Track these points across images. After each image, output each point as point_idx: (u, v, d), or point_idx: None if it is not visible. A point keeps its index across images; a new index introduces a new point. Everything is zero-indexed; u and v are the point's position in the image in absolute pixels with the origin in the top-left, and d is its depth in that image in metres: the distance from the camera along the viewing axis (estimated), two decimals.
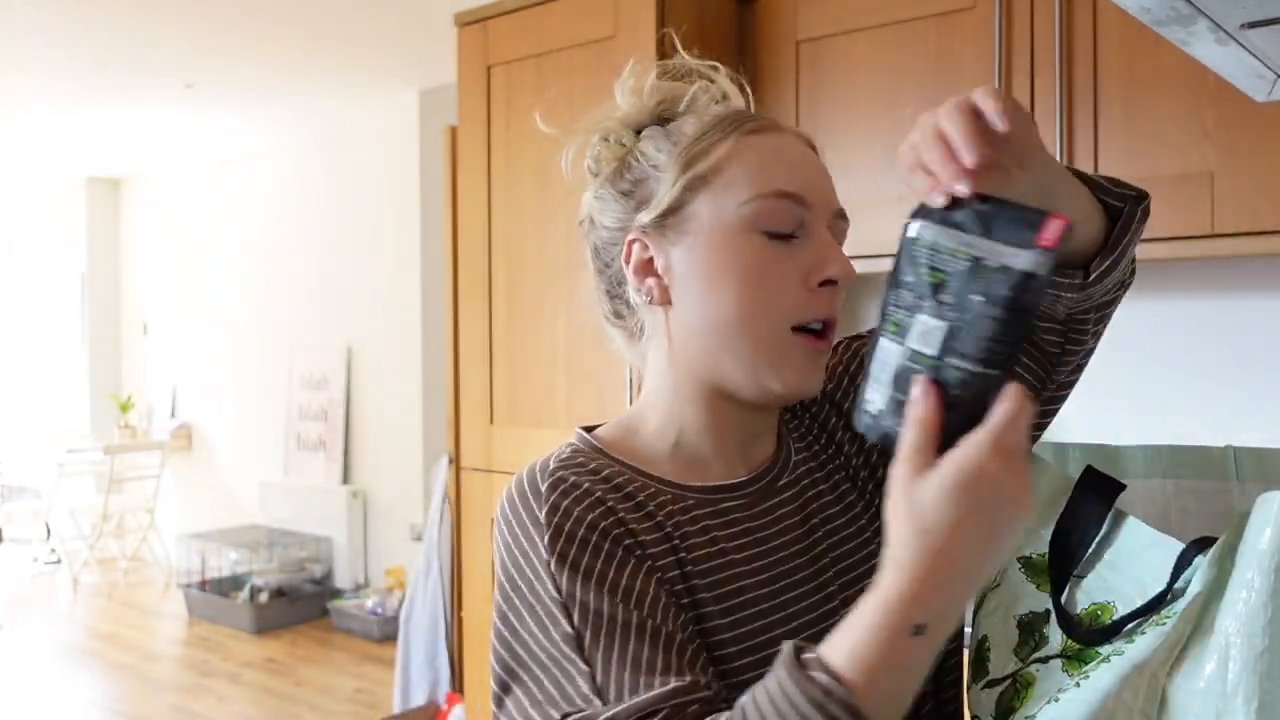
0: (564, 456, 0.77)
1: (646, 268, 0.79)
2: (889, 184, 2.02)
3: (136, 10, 3.41)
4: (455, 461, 2.53)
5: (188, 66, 4.12)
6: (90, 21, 3.52)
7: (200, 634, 4.90)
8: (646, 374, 0.83)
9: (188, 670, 4.40)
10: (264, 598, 4.93)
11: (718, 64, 0.85)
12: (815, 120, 2.11)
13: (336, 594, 5.07)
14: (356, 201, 5.17)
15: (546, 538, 0.69)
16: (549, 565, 0.69)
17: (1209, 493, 0.92)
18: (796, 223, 0.76)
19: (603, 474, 0.75)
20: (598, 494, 0.72)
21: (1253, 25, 0.72)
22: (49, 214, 6.96)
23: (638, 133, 0.83)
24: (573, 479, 0.73)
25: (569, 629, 0.67)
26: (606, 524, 0.71)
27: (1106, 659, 0.66)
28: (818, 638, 0.73)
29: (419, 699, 3.38)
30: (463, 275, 2.50)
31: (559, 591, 0.68)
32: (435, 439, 4.47)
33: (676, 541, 0.74)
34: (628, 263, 0.80)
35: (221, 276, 6.03)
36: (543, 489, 0.72)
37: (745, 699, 0.60)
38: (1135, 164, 1.74)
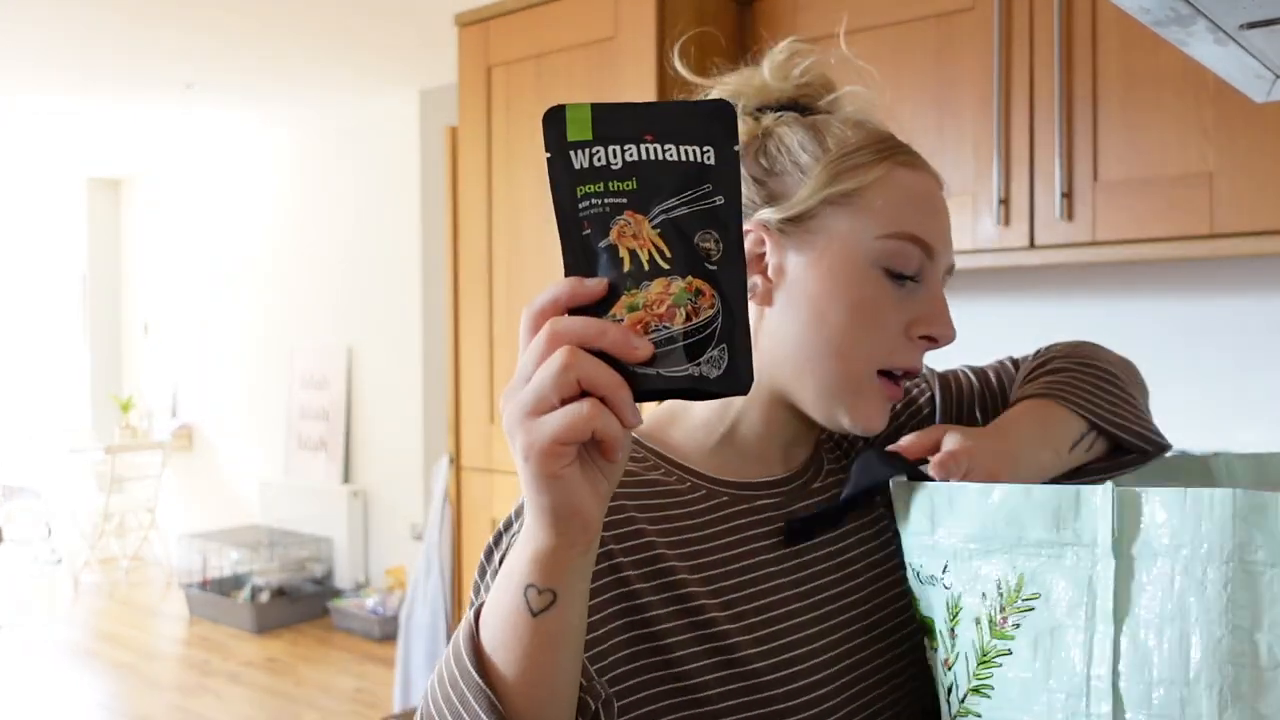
0: None
1: (756, 263, 0.77)
2: None
3: (136, 10, 3.41)
4: (455, 461, 2.53)
5: (188, 66, 4.12)
6: (90, 21, 3.52)
7: (201, 634, 4.91)
8: None
9: (188, 670, 4.40)
10: (264, 597, 4.93)
11: (873, 70, 0.84)
12: None
13: (337, 594, 5.08)
14: (356, 201, 5.18)
15: (512, 510, 0.73)
16: (499, 533, 0.72)
17: None
18: (918, 269, 0.75)
19: (630, 473, 0.75)
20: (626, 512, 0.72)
21: (1252, 25, 0.72)
22: (49, 214, 6.96)
23: (771, 110, 0.80)
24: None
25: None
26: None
27: (994, 663, 0.67)
28: (850, 638, 0.77)
29: (419, 699, 3.38)
30: (463, 275, 2.50)
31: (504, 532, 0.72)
32: (435, 439, 4.47)
33: (704, 545, 0.74)
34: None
35: (222, 276, 6.03)
36: None
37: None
38: (1135, 164, 1.74)
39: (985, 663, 0.68)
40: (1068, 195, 1.80)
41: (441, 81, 4.37)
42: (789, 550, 0.77)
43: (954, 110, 1.93)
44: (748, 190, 0.77)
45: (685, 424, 0.80)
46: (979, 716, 0.69)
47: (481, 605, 0.59)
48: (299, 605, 5.00)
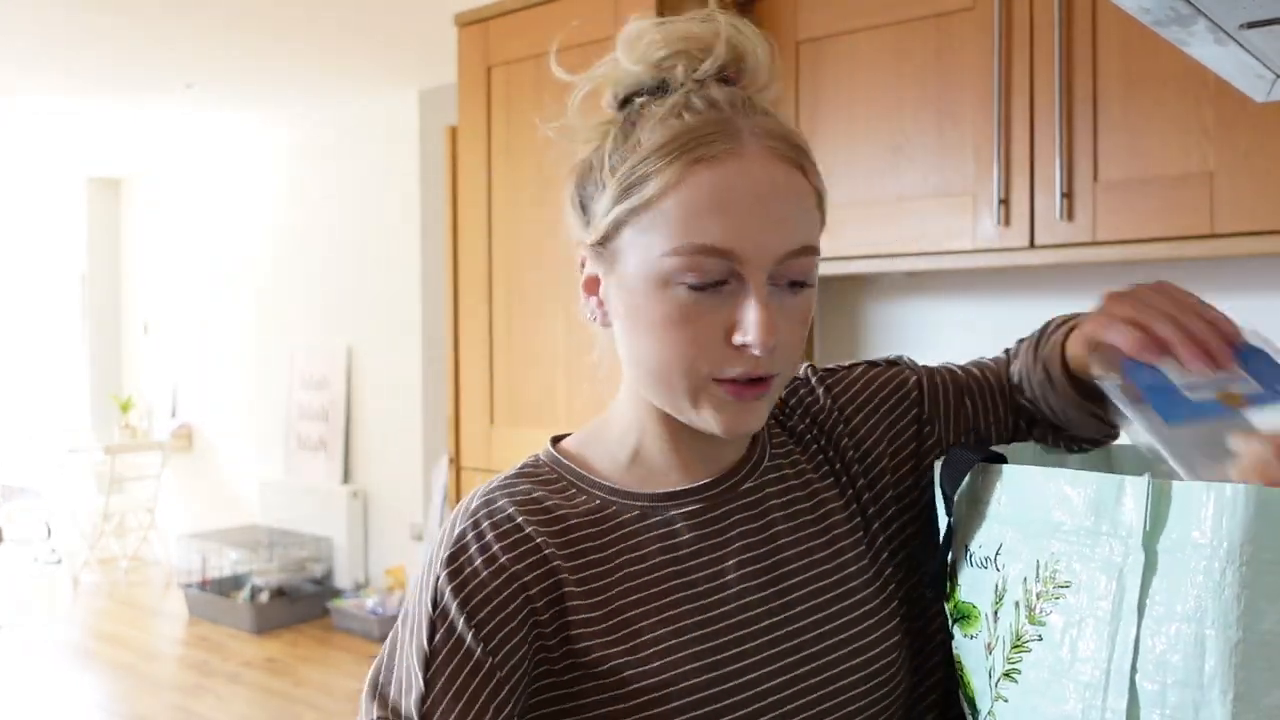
0: (511, 475, 0.78)
1: (591, 286, 0.76)
2: (889, 184, 2.02)
3: (137, 10, 3.41)
4: (455, 461, 2.53)
5: (188, 66, 4.12)
6: (91, 21, 3.52)
7: (200, 634, 4.91)
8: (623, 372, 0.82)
9: (188, 670, 4.40)
10: (264, 598, 4.93)
11: (746, 25, 0.75)
12: (815, 120, 2.11)
13: (337, 594, 5.07)
14: (356, 202, 5.17)
15: (447, 555, 0.71)
16: (438, 579, 0.71)
17: None
18: (726, 272, 0.68)
19: (532, 496, 0.75)
20: (510, 552, 0.71)
21: (1252, 25, 0.72)
22: (49, 214, 6.96)
23: (627, 103, 0.74)
24: (494, 519, 0.73)
25: (426, 646, 0.69)
26: (510, 592, 0.71)
27: (1026, 647, 0.67)
28: (774, 644, 0.73)
29: None
30: (463, 275, 2.50)
31: (434, 608, 0.70)
32: (435, 439, 4.47)
33: (609, 565, 0.73)
34: (581, 273, 0.77)
35: (222, 276, 6.03)
36: (472, 507, 0.74)
37: None
38: (1135, 164, 1.74)
39: (1017, 647, 0.68)
40: (1068, 195, 1.80)
41: (441, 81, 4.37)
42: (705, 559, 0.75)
43: (954, 110, 1.93)
44: (574, 214, 0.76)
45: (607, 439, 0.80)
46: (1006, 701, 0.69)
47: None
48: (299, 605, 5.00)
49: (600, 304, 0.76)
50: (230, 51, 3.92)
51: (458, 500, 2.54)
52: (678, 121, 0.70)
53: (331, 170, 5.33)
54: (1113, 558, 0.63)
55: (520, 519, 0.73)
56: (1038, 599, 0.67)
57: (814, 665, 0.74)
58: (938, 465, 0.78)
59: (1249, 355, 0.70)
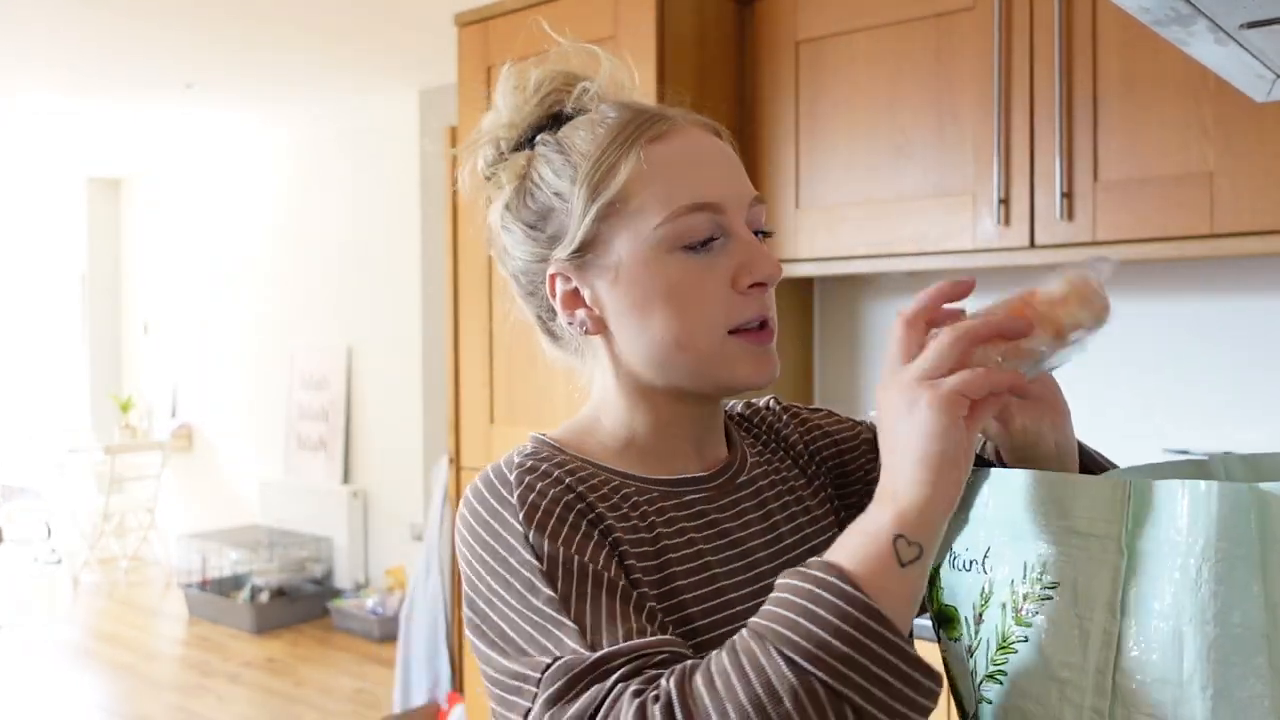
0: (527, 452, 0.77)
1: (574, 300, 0.78)
2: (889, 184, 2.02)
3: (137, 10, 3.41)
4: (455, 461, 2.53)
5: (188, 66, 4.12)
6: (90, 21, 3.52)
7: (200, 634, 4.91)
8: (593, 384, 0.83)
9: (188, 670, 4.40)
10: (264, 598, 4.93)
11: (596, 47, 0.82)
12: (815, 120, 2.11)
13: (337, 594, 5.07)
14: (356, 201, 5.17)
15: (521, 515, 0.70)
16: (526, 537, 0.68)
17: None
18: (714, 228, 0.74)
19: (567, 466, 0.75)
20: (566, 481, 0.72)
21: (1252, 25, 0.72)
22: (49, 214, 6.96)
23: (530, 143, 0.80)
24: (543, 467, 0.73)
25: (552, 593, 0.66)
26: (578, 505, 0.71)
27: (1012, 649, 0.67)
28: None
29: (419, 699, 3.38)
30: (463, 275, 2.50)
31: (538, 559, 0.67)
32: (435, 439, 4.47)
33: (648, 533, 0.74)
34: (553, 296, 0.79)
35: (222, 276, 6.03)
36: (511, 477, 0.73)
37: (750, 621, 0.61)
38: (1135, 164, 1.74)
39: (1003, 648, 0.68)
40: (1068, 195, 1.80)
41: (441, 81, 4.37)
42: (722, 541, 0.78)
43: (954, 110, 1.93)
44: (530, 242, 0.79)
45: (599, 434, 0.81)
46: (990, 703, 0.69)
47: (840, 564, 0.61)
48: (299, 605, 5.00)
49: (590, 312, 0.78)
50: (230, 51, 3.92)
51: (458, 501, 2.54)
52: (612, 121, 0.76)
53: (331, 170, 5.33)
54: (1097, 558, 0.64)
55: (567, 480, 0.73)
56: (1025, 600, 0.67)
57: None
58: None
59: None
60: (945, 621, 0.74)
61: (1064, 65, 1.80)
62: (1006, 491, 0.70)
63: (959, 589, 0.73)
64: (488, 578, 0.70)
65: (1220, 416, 1.99)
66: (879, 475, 0.66)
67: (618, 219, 0.74)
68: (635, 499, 0.76)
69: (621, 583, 0.68)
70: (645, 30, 2.08)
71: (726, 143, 0.80)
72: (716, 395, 0.79)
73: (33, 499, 6.69)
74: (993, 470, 0.72)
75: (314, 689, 4.12)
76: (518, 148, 0.81)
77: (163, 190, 6.49)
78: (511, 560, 0.69)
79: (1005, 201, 1.86)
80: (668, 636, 0.65)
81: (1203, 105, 1.68)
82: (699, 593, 0.74)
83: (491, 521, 0.71)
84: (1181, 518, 0.59)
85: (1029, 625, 0.66)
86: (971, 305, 0.69)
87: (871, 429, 0.92)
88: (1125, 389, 2.08)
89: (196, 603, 5.17)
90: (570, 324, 0.79)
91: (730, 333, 0.75)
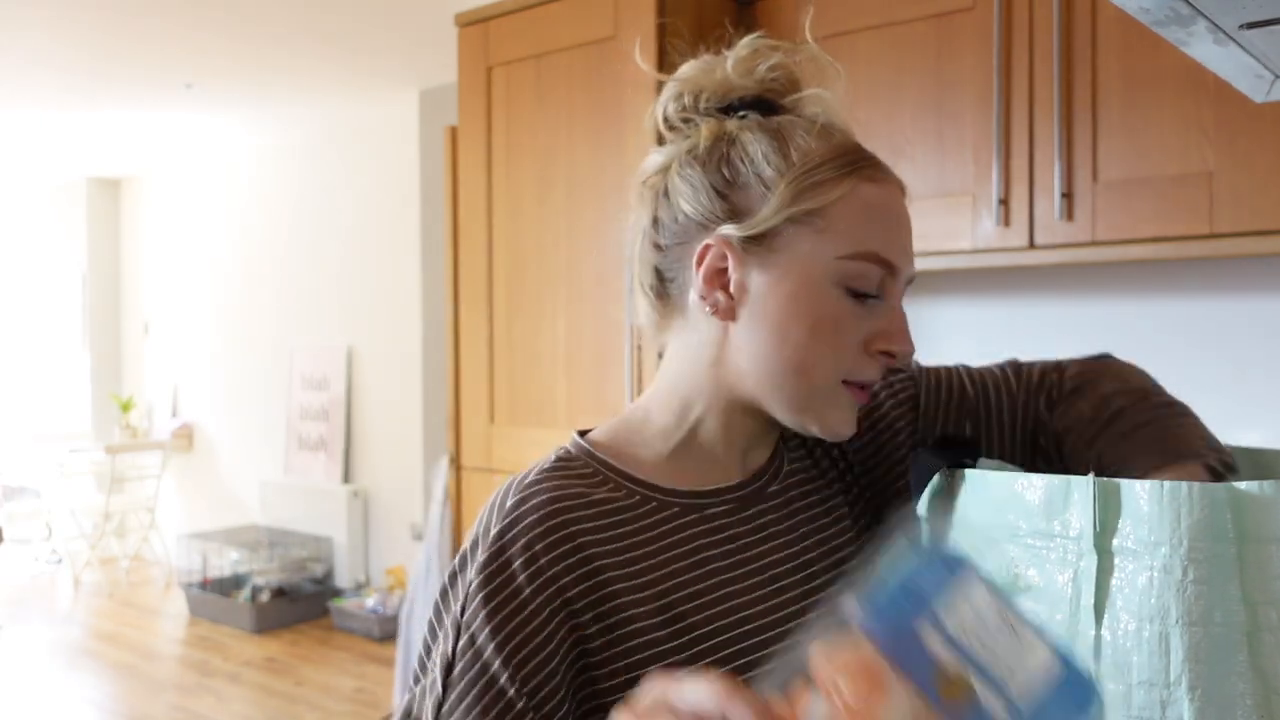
0: (547, 467, 0.76)
1: (719, 277, 0.76)
2: None
3: (136, 10, 3.41)
4: (455, 461, 2.53)
5: (188, 66, 4.12)
6: (90, 21, 3.52)
7: (201, 633, 4.91)
8: (670, 365, 0.81)
9: (188, 670, 4.40)
10: (264, 597, 4.93)
11: (840, 67, 0.82)
12: None
13: (337, 594, 5.07)
14: (356, 201, 5.18)
15: (483, 558, 0.71)
16: (470, 586, 0.70)
17: None
18: (880, 286, 0.75)
19: (571, 491, 0.74)
20: (547, 542, 0.71)
21: (1252, 26, 0.72)
22: (49, 214, 6.96)
23: (734, 110, 0.79)
24: (529, 518, 0.72)
25: (449, 652, 0.70)
26: (542, 585, 0.70)
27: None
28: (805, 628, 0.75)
29: None
30: (463, 275, 2.50)
31: (462, 613, 0.70)
32: (435, 439, 4.47)
33: (653, 558, 0.74)
34: (699, 264, 0.76)
35: (222, 276, 6.03)
36: (509, 504, 0.73)
37: None
38: (1135, 164, 1.74)
39: None
40: (1068, 195, 1.80)
41: (441, 81, 4.37)
42: (742, 557, 0.77)
43: (954, 110, 1.93)
44: (709, 202, 0.76)
45: (645, 432, 0.80)
46: None
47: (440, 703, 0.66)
48: (299, 605, 5.00)
49: (730, 297, 0.76)
50: (230, 51, 3.92)
51: (458, 500, 2.54)
52: (837, 140, 0.77)
53: (332, 170, 5.33)
54: (1067, 560, 0.63)
55: (562, 516, 0.72)
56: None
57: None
58: (910, 470, 0.79)
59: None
60: None
61: (1064, 65, 1.80)
62: (979, 493, 0.70)
63: None
64: (446, 588, 0.73)
65: (1220, 416, 1.99)
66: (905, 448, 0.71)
67: (809, 229, 0.74)
68: (653, 518, 0.75)
69: (515, 693, 0.67)
70: (645, 30, 2.08)
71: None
72: (792, 428, 0.78)
73: (33, 499, 6.68)
74: (969, 471, 0.72)
75: (314, 689, 4.12)
76: (721, 111, 0.79)
77: (163, 190, 6.49)
78: (450, 599, 0.72)
79: (1005, 202, 1.86)
80: None
81: (1203, 105, 1.68)
82: (711, 612, 0.73)
83: (476, 542, 0.73)
84: (1162, 519, 0.59)
85: None
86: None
87: (914, 380, 0.88)
88: None
89: (197, 602, 5.17)
90: (704, 298, 0.76)
91: (843, 381, 0.76)
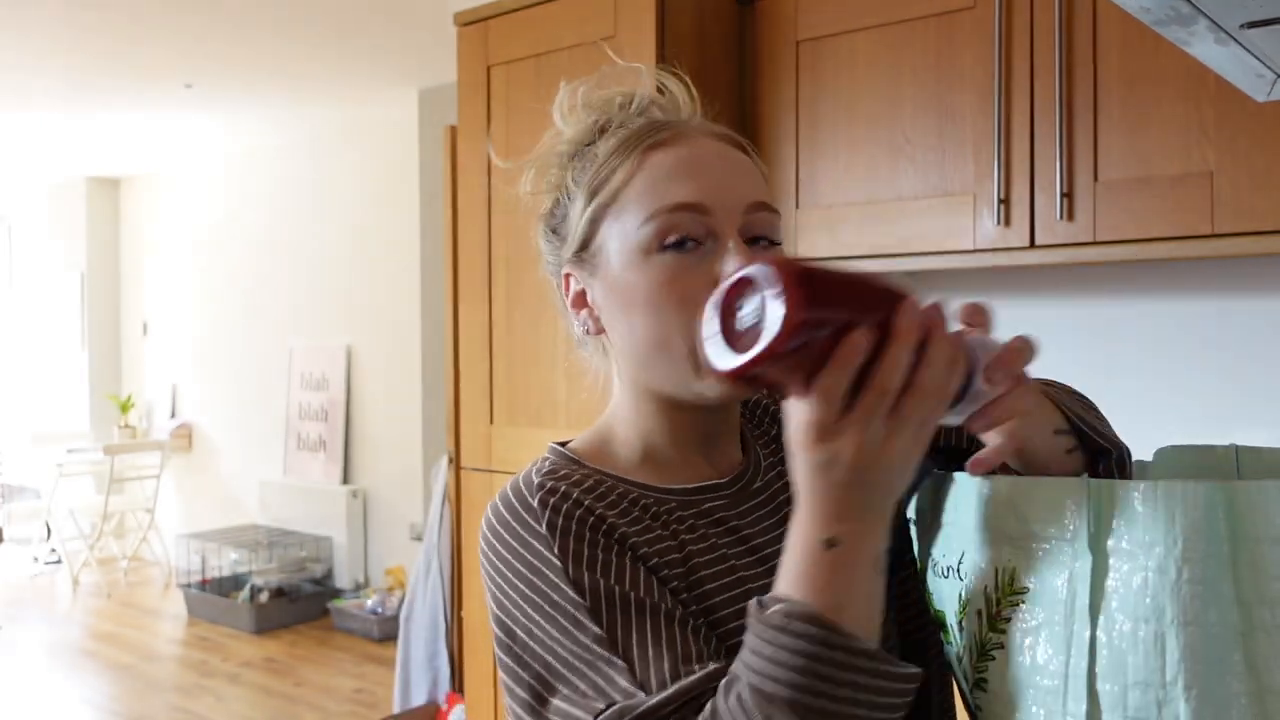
0: (544, 470, 0.77)
1: (580, 301, 0.81)
2: (889, 184, 2.02)
3: (136, 10, 3.41)
4: (455, 461, 2.53)
5: (188, 66, 4.12)
6: (90, 22, 3.52)
7: (200, 634, 4.90)
8: (614, 388, 0.84)
9: (187, 670, 4.40)
10: (264, 598, 4.93)
11: (640, 65, 0.86)
12: (815, 120, 2.11)
13: (336, 594, 5.07)
14: (356, 201, 5.17)
15: (556, 548, 0.69)
16: (566, 573, 0.68)
17: None
18: (702, 230, 0.73)
19: (585, 484, 0.74)
20: (586, 503, 0.72)
21: (1253, 25, 0.72)
22: (49, 214, 6.96)
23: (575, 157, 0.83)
24: (562, 488, 0.73)
25: (599, 630, 0.67)
26: (603, 528, 0.71)
27: (990, 656, 0.67)
28: None
29: (419, 699, 3.38)
30: (463, 275, 2.50)
31: (581, 594, 0.68)
32: (435, 439, 4.47)
33: (674, 542, 0.74)
34: (566, 296, 0.82)
35: (222, 276, 6.03)
36: (534, 503, 0.72)
37: (735, 666, 0.61)
38: (1135, 164, 1.74)
39: (983, 655, 0.68)
40: (1068, 195, 1.80)
41: (441, 81, 4.37)
42: (748, 545, 0.77)
43: (954, 110, 1.93)
44: (549, 245, 0.83)
45: (614, 443, 0.81)
46: (980, 710, 0.69)
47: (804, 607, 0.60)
48: (298, 605, 5.00)
49: (592, 313, 0.80)
50: (230, 51, 3.92)
51: (458, 500, 2.54)
52: (626, 133, 0.79)
53: (332, 170, 5.33)
54: (1061, 561, 0.63)
55: (586, 501, 0.72)
56: (998, 607, 0.67)
57: None
58: None
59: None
60: (940, 627, 0.74)
61: (1064, 65, 1.80)
62: (972, 496, 0.70)
63: (943, 596, 0.72)
64: (526, 608, 0.70)
65: (1220, 416, 1.99)
66: None
67: (611, 220, 0.76)
68: (656, 510, 0.76)
69: (664, 605, 0.68)
70: (645, 30, 2.08)
71: (746, 154, 0.79)
72: (696, 404, 0.77)
73: (32, 499, 6.68)
74: (958, 475, 0.71)
75: (314, 689, 4.12)
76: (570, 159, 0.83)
77: (162, 190, 6.49)
78: (554, 595, 0.69)
79: (1005, 201, 1.86)
80: (710, 669, 0.64)
81: (1203, 105, 1.68)
82: (728, 595, 0.74)
83: (524, 552, 0.71)
84: (1157, 519, 0.59)
85: (1003, 632, 0.66)
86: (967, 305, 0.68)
87: None
88: (1125, 389, 2.08)
89: (196, 603, 5.17)
90: (578, 324, 0.81)
91: None
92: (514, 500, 0.74)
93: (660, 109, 0.83)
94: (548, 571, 0.69)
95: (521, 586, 0.71)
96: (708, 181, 0.75)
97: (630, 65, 0.88)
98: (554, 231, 0.82)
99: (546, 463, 0.78)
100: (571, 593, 0.68)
